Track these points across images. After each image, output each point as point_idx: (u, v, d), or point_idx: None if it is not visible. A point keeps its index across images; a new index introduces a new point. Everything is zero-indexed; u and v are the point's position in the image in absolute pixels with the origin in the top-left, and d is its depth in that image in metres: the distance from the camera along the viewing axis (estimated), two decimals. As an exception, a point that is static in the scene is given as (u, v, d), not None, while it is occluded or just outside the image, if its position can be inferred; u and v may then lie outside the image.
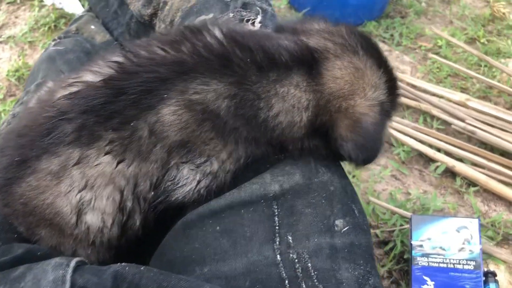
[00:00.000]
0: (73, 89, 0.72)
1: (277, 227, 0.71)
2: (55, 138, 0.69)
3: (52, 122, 0.70)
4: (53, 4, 2.02)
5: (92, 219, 0.74)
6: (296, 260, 0.69)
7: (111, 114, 0.68)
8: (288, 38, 0.77)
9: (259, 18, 0.98)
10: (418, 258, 1.18)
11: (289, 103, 0.73)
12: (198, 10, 1.05)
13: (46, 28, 1.97)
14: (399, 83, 0.82)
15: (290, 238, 0.71)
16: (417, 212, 1.41)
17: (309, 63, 0.74)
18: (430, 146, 1.61)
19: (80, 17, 1.52)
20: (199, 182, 0.74)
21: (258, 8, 1.01)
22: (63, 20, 2.01)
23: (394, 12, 2.29)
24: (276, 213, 0.73)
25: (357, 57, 0.76)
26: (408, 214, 1.35)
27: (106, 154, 0.69)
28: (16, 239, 0.81)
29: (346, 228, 0.73)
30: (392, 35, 2.13)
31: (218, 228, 0.73)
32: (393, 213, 1.39)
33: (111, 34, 1.47)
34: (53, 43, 1.32)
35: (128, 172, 0.71)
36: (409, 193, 1.49)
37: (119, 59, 0.72)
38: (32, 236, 0.78)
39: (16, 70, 1.77)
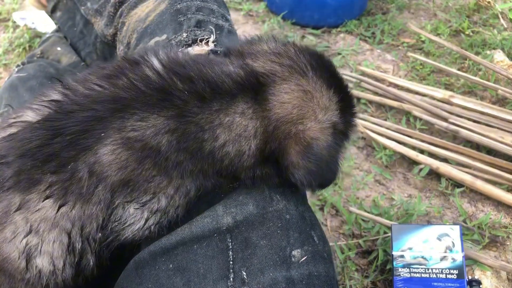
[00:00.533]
0: (12, 130, 0.70)
1: (231, 262, 0.68)
2: None
3: None
4: (25, 25, 1.99)
5: (42, 262, 0.71)
6: (251, 298, 0.66)
7: (48, 157, 0.66)
8: (234, 63, 0.74)
9: (212, 37, 0.95)
10: (400, 269, 1.14)
11: (235, 132, 0.69)
12: (152, 31, 1.02)
13: (21, 49, 1.95)
14: (354, 101, 0.79)
15: (244, 273, 0.68)
16: (401, 219, 1.37)
17: (254, 88, 0.71)
18: (413, 148, 1.57)
19: (47, 38, 1.50)
20: (147, 220, 0.71)
21: (211, 27, 0.98)
22: (37, 40, 1.99)
23: (376, 8, 2.25)
24: (230, 246, 0.69)
25: (306, 79, 0.73)
26: (389, 222, 1.31)
27: (46, 198, 0.66)
28: None
29: (304, 258, 0.70)
30: (373, 33, 2.10)
31: (171, 266, 0.70)
32: (376, 222, 1.35)
33: (79, 55, 1.44)
34: (16, 69, 1.30)
35: (72, 215, 0.68)
36: (393, 199, 1.46)
37: (57, 97, 0.70)
38: (-17, 283, 0.76)
39: (-9, 94, 1.75)
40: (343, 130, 0.75)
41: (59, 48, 1.40)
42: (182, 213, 0.73)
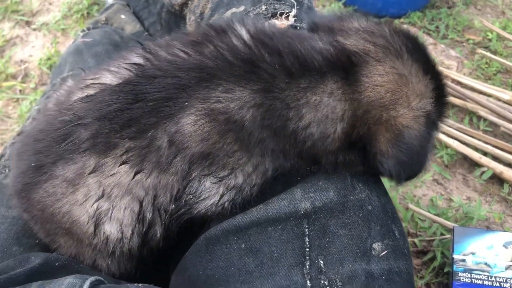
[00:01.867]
0: (90, 91, 0.68)
1: (307, 249, 0.65)
2: (71, 145, 0.66)
3: (68, 127, 0.66)
4: (85, -9, 1.99)
5: (110, 229, 0.70)
6: (328, 288, 0.62)
7: (128, 121, 0.63)
8: (323, 39, 0.69)
9: (293, 11, 0.91)
10: (460, 274, 1.09)
11: (321, 113, 0.65)
12: (229, 2, 0.98)
13: (79, 15, 1.95)
14: (448, 89, 0.73)
15: (321, 262, 0.64)
16: (459, 221, 1.31)
17: (345, 68, 0.67)
18: (476, 149, 1.50)
19: (111, 6, 1.48)
20: (222, 195, 0.68)
21: (292, 1, 0.93)
22: (95, 7, 1.98)
23: (441, 1, 2.15)
24: (307, 233, 0.66)
25: (401, 62, 0.68)
26: (449, 224, 1.25)
27: (122, 163, 0.64)
28: (37, 245, 0.79)
29: (384, 252, 0.66)
30: (437, 27, 2.00)
31: (243, 245, 0.67)
32: (433, 221, 1.29)
33: (142, 24, 1.42)
34: (81, 34, 1.29)
35: (147, 183, 0.66)
36: (451, 200, 1.39)
37: (139, 60, 0.67)
38: (51, 243, 0.75)
39: (48, 59, 1.75)
40: (435, 120, 0.70)
41: (123, 16, 1.39)
42: (256, 192, 0.70)
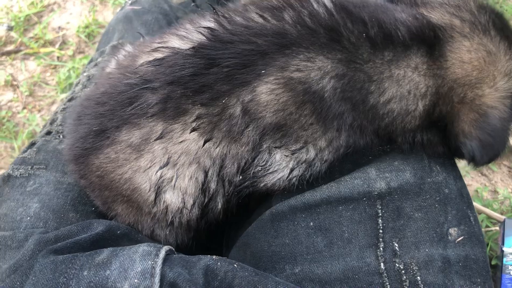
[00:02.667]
0: (158, 55, 0.65)
1: (380, 231, 0.62)
2: (137, 109, 0.63)
3: (134, 91, 0.63)
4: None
5: (171, 198, 0.67)
6: (403, 272, 0.59)
7: (201, 87, 0.60)
8: (406, 11, 0.66)
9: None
10: (510, 267, 1.05)
11: (404, 88, 0.62)
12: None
13: (118, -16, 1.91)
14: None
15: (396, 245, 0.61)
16: (505, 214, 1.27)
17: (430, 42, 0.63)
18: (524, 140, 1.45)
19: (156, -25, 1.44)
20: (292, 170, 0.65)
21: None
22: (134, -23, 1.95)
23: (488, -12, 2.08)
24: (380, 214, 0.63)
25: (489, 38, 0.64)
26: (498, 215, 1.22)
27: (192, 130, 0.62)
28: (93, 212, 0.77)
29: (461, 238, 0.63)
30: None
31: (311, 224, 0.64)
32: (479, 212, 1.26)
33: (188, -6, 1.38)
34: (129, 1, 1.25)
35: (215, 152, 0.63)
36: (496, 192, 1.35)
37: (211, 24, 0.64)
38: (108, 211, 0.73)
39: (86, 27, 1.73)
40: (519, 102, 0.66)
41: (169, -15, 1.35)
42: (325, 169, 0.67)
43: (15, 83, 1.56)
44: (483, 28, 0.65)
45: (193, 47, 0.62)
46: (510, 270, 1.05)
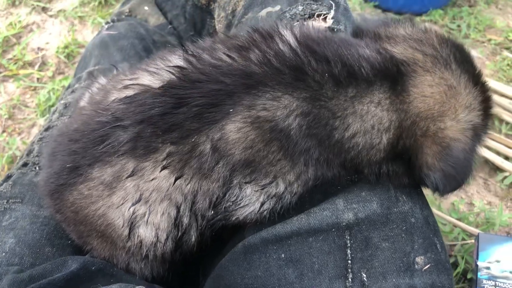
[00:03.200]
0: (129, 92, 0.66)
1: (349, 261, 0.64)
2: (109, 147, 0.64)
3: (106, 129, 0.64)
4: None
5: (145, 233, 0.68)
6: (371, 303, 0.61)
7: (171, 126, 0.62)
8: (370, 46, 0.68)
9: (332, 13, 0.88)
10: (485, 281, 1.08)
11: (368, 123, 0.64)
12: (264, 1, 0.96)
13: (97, 3, 1.92)
14: (494, 103, 0.71)
15: (364, 275, 0.63)
16: (481, 226, 1.30)
17: (393, 77, 0.65)
18: (498, 153, 1.48)
19: (133, -4, 1.45)
20: (262, 204, 0.66)
21: (330, 2, 0.91)
22: (114, -5, 1.96)
23: (462, 0, 2.12)
24: (349, 244, 0.65)
25: (450, 72, 0.66)
26: (473, 229, 1.24)
27: (163, 169, 0.63)
28: (69, 246, 0.77)
29: (427, 266, 0.64)
30: (459, 26, 1.98)
31: (283, 255, 0.66)
32: (455, 226, 1.28)
33: (165, 16, 1.40)
34: (106, 26, 1.26)
35: (187, 189, 0.64)
36: (472, 204, 1.38)
37: (181, 63, 0.65)
38: (84, 245, 0.74)
39: (66, 47, 1.73)
40: (481, 133, 0.68)
41: (146, 8, 1.36)
42: (296, 201, 0.69)
43: (-6, 106, 1.55)
44: (444, 62, 0.67)
45: (162, 86, 0.64)
46: (484, 284, 1.07)
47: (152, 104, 0.63)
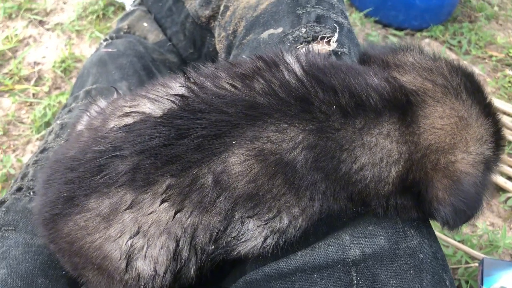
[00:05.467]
0: (129, 120, 0.64)
1: (355, 300, 0.61)
2: (107, 178, 0.62)
3: (103, 159, 0.62)
4: (101, -8, 1.94)
5: (143, 266, 0.66)
6: None
7: (171, 158, 0.59)
8: (378, 74, 0.65)
9: (336, 36, 0.86)
10: (489, 308, 1.05)
11: (377, 155, 0.62)
12: (265, 22, 0.94)
13: (94, 17, 1.90)
14: (505, 134, 0.69)
15: (371, 315, 0.60)
16: (484, 249, 1.28)
17: (403, 108, 0.63)
18: (500, 173, 1.46)
19: (132, 12, 1.44)
20: (265, 239, 0.64)
21: (334, 24, 0.89)
22: (111, 8, 1.94)
23: (463, 15, 2.11)
24: (355, 281, 0.62)
25: (461, 103, 0.64)
26: (476, 253, 1.22)
27: (162, 202, 0.60)
28: (63, 277, 0.75)
29: (436, 305, 0.62)
30: (459, 42, 1.97)
31: (286, 292, 0.63)
32: (458, 249, 1.26)
33: (164, 33, 1.38)
34: (104, 43, 1.24)
35: (187, 223, 0.62)
36: (475, 225, 1.36)
37: (182, 91, 0.63)
38: (79, 277, 0.71)
39: (62, 61, 1.70)
40: (493, 165, 0.66)
41: (145, 24, 1.34)
42: (300, 234, 0.66)
43: (-12, 122, 1.53)
44: (455, 92, 0.65)
45: (163, 116, 0.61)
46: (490, 311, 1.05)
47: (152, 135, 0.60)
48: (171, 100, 0.62)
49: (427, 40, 1.94)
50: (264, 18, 0.94)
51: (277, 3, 0.94)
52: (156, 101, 0.65)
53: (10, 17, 1.87)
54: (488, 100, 0.67)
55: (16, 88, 1.61)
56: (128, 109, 0.66)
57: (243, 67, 0.64)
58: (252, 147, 0.59)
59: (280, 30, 0.90)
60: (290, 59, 0.64)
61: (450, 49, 1.94)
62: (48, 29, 1.87)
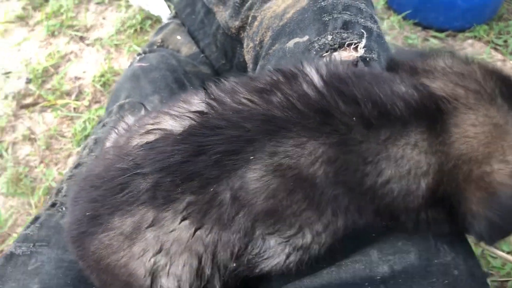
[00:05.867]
0: (150, 137, 0.64)
1: (384, 320, 0.58)
2: (128, 196, 0.62)
3: (125, 177, 0.62)
4: (139, 6, 1.98)
5: (168, 283, 0.65)
6: None
7: (190, 175, 0.59)
8: (405, 81, 0.62)
9: (363, 42, 0.84)
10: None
11: (404, 167, 0.58)
12: (291, 31, 0.92)
13: (132, 31, 1.94)
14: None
15: (401, 336, 0.57)
16: (536, 261, 1.20)
17: (432, 116, 0.59)
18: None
19: (166, 25, 1.46)
20: (288, 256, 0.62)
21: (361, 30, 0.86)
22: (149, 22, 1.97)
23: (509, 13, 2.01)
24: (384, 300, 0.59)
25: (495, 109, 0.60)
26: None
27: (183, 219, 0.60)
28: None
29: (473, 326, 0.58)
30: (505, 41, 1.87)
31: (311, 311, 0.61)
32: (507, 260, 1.19)
33: (197, 45, 1.39)
34: (137, 58, 1.26)
35: (207, 240, 0.61)
36: (525, 235, 1.28)
37: (202, 107, 0.62)
38: (109, 293, 0.72)
39: (102, 75, 1.75)
40: (532, 176, 0.61)
41: (179, 37, 1.36)
42: (325, 250, 0.64)
43: (32, 136, 1.58)
44: (489, 97, 0.61)
45: (182, 133, 0.61)
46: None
47: (171, 152, 0.60)
48: (190, 118, 0.62)
49: (470, 41, 1.86)
50: (290, 27, 0.92)
51: (303, 11, 0.92)
52: (177, 117, 0.64)
53: (53, 34, 1.95)
54: (525, 104, 0.62)
55: (58, 103, 1.66)
56: (150, 127, 0.66)
57: (261, 81, 0.63)
58: (270, 162, 0.57)
59: (306, 38, 0.88)
60: (309, 70, 0.62)
61: (495, 49, 1.85)
62: (88, 44, 1.93)
